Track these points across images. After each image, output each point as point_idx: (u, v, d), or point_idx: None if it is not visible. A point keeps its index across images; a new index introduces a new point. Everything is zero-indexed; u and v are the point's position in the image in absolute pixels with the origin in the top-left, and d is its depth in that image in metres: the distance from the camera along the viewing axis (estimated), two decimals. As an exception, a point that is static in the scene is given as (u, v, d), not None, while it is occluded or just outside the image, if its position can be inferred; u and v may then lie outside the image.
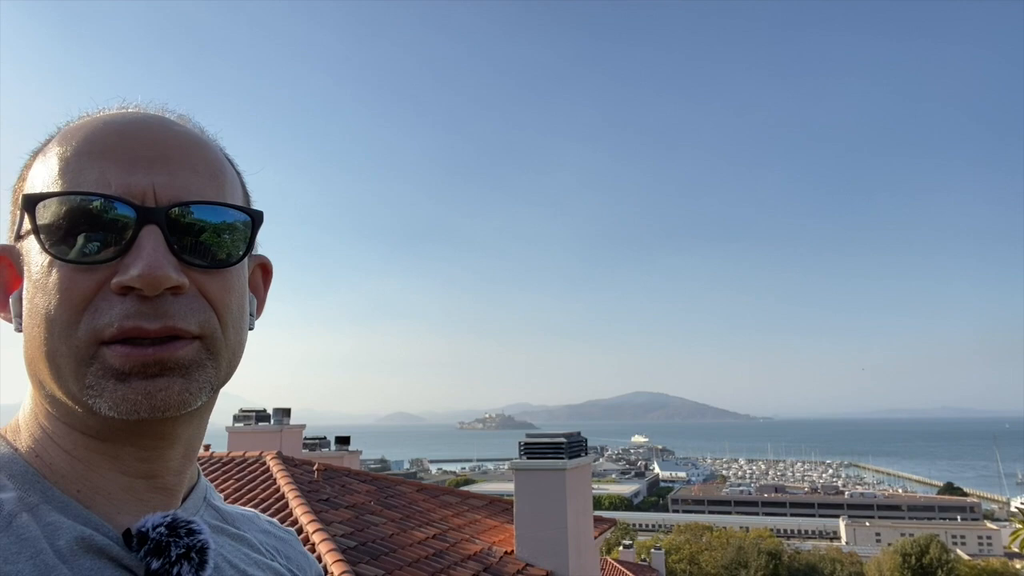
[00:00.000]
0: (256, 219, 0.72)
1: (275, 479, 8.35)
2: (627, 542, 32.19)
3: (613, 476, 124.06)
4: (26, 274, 0.68)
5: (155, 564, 0.65)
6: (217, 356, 0.69)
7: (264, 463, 9.04)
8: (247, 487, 8.20)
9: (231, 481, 8.41)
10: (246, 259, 0.73)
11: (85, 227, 0.64)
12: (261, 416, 13.39)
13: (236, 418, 13.46)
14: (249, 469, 8.89)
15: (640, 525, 74.34)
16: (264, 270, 0.83)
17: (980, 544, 62.45)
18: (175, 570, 0.66)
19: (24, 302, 0.68)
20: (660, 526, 73.37)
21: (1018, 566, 42.08)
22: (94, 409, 0.65)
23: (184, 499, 0.77)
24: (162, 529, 0.67)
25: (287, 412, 13.46)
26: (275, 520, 0.93)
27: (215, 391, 0.71)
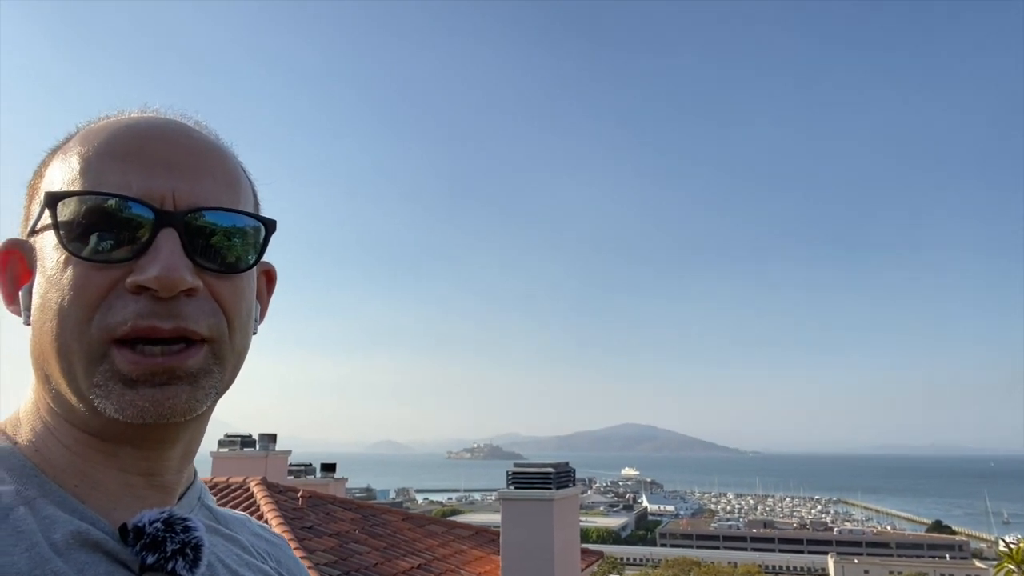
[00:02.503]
0: (269, 227, 0.74)
1: (259, 505, 8.24)
2: (614, 576, 31.67)
3: (601, 508, 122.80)
4: (39, 269, 0.69)
5: (150, 559, 0.65)
6: (223, 361, 0.70)
7: (248, 489, 8.92)
8: (230, 513, 8.05)
9: (214, 507, 8.26)
10: (256, 266, 0.75)
11: (104, 227, 0.66)
12: (246, 442, 13.23)
13: (221, 443, 13.30)
14: (233, 494, 8.77)
15: (628, 559, 73.40)
16: (268, 277, 0.84)
17: (969, 583, 62.00)
18: (170, 565, 0.66)
19: (35, 297, 0.69)
20: (648, 560, 72.48)
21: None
22: (99, 409, 0.66)
23: (180, 498, 0.77)
24: (158, 524, 0.67)
25: (272, 438, 13.32)
26: (266, 525, 0.93)
27: (220, 395, 0.72)
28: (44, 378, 0.70)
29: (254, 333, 0.78)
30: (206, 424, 0.77)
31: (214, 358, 0.69)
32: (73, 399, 0.68)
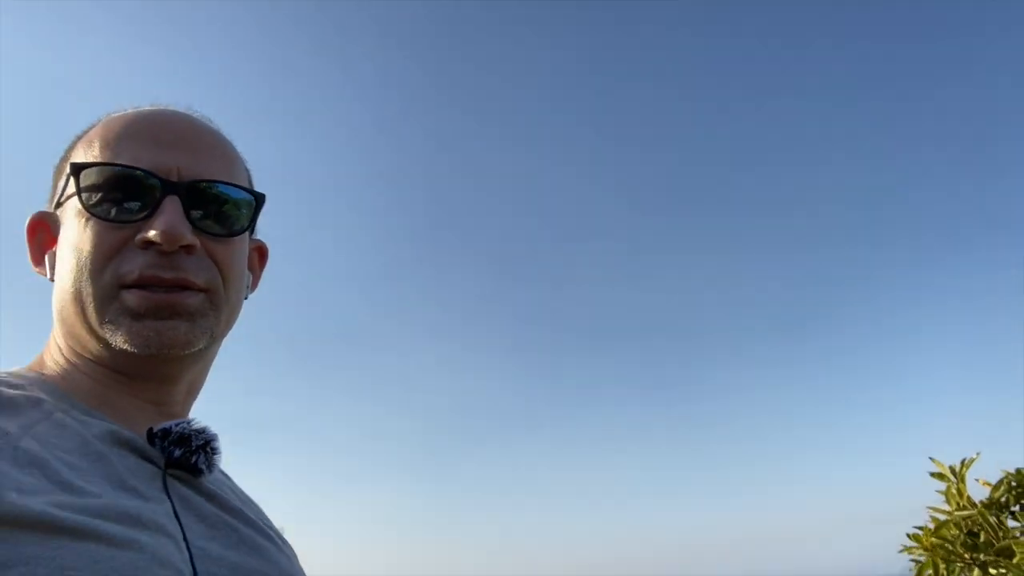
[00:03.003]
0: (259, 200, 0.87)
1: None
2: None
3: None
4: (63, 233, 0.81)
5: (177, 452, 0.75)
6: (219, 309, 0.82)
7: None
8: None
9: None
10: (247, 234, 0.88)
11: (119, 193, 0.77)
12: None
13: None
14: None
15: None
16: (260, 252, 0.98)
17: None
18: (194, 459, 0.76)
19: (59, 256, 0.81)
20: None
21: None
22: (111, 342, 0.76)
23: None
24: (184, 426, 0.77)
25: None
26: None
27: (215, 339, 0.83)
28: (63, 321, 0.81)
29: (245, 298, 0.90)
30: (207, 370, 0.89)
31: (210, 304, 0.80)
32: (89, 337, 0.78)
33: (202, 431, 0.78)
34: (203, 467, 0.77)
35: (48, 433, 0.66)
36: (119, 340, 0.75)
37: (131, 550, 0.58)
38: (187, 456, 0.75)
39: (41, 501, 0.56)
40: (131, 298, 0.75)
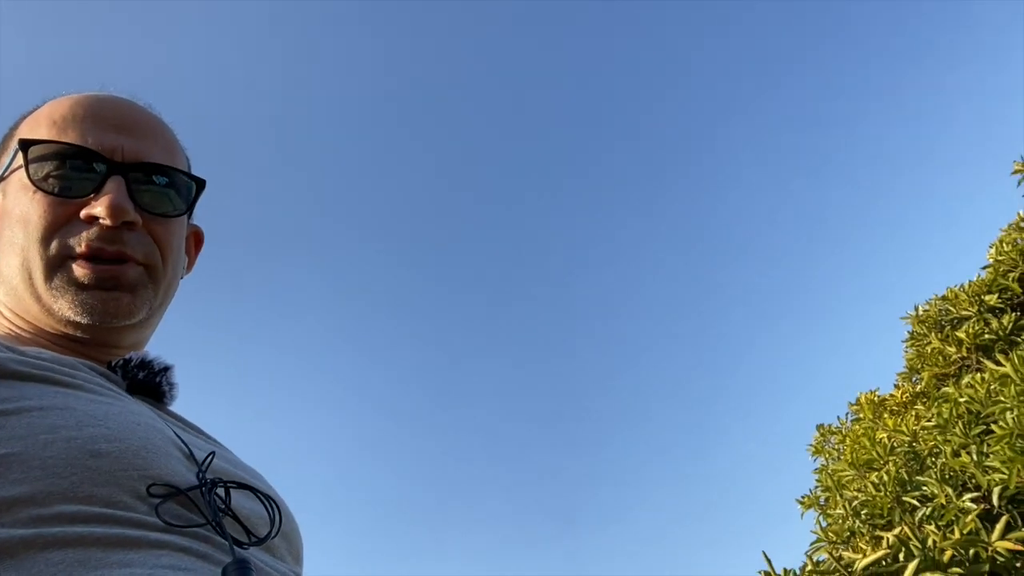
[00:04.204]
0: (199, 184, 0.91)
1: None
2: None
3: None
4: (8, 206, 0.84)
5: (141, 374, 0.82)
6: (157, 283, 0.87)
7: None
8: None
9: None
10: (186, 217, 0.92)
11: (66, 169, 0.81)
12: None
13: None
14: None
15: None
16: (197, 237, 1.03)
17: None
18: (158, 379, 0.83)
19: (5, 228, 0.84)
20: None
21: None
22: (56, 310, 0.80)
23: None
24: (142, 355, 0.84)
25: None
26: None
27: (153, 312, 0.88)
28: (8, 289, 0.84)
29: (180, 279, 0.95)
30: (146, 341, 0.94)
31: (150, 278, 0.85)
32: (34, 304, 0.82)
33: (159, 360, 0.85)
34: (165, 389, 0.84)
35: (26, 352, 0.72)
36: (64, 308, 0.79)
37: (131, 405, 0.70)
38: (150, 377, 0.82)
39: (39, 371, 0.66)
40: (77, 269, 0.79)
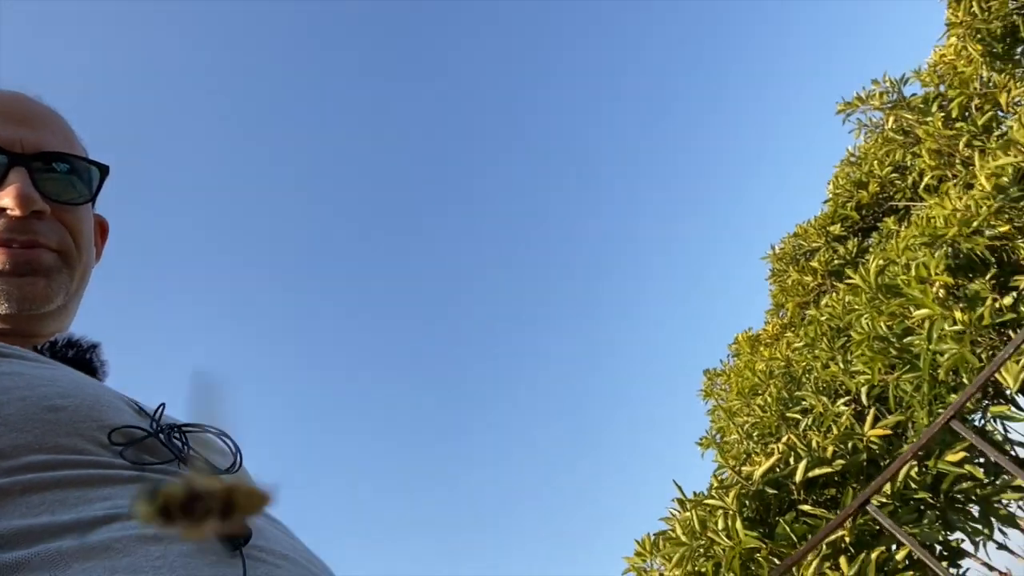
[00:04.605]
0: (102, 170, 0.91)
1: None
2: None
3: None
4: None
5: (71, 353, 0.82)
6: (72, 268, 0.86)
7: None
8: None
9: None
10: (92, 203, 0.92)
11: None
12: None
13: None
14: None
15: None
16: (102, 227, 1.02)
17: None
18: (87, 355, 0.84)
19: None
20: None
21: None
22: None
23: None
24: (71, 333, 0.85)
25: None
26: None
27: (69, 297, 0.86)
28: None
29: (92, 267, 0.95)
30: (65, 329, 0.91)
31: (64, 263, 0.84)
32: None
33: (86, 338, 0.85)
34: (97, 365, 0.84)
35: None
36: None
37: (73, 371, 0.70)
38: (80, 355, 0.82)
39: None
40: None
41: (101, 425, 0.62)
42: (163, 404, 0.73)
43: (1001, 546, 4.47)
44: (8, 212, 0.78)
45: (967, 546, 3.86)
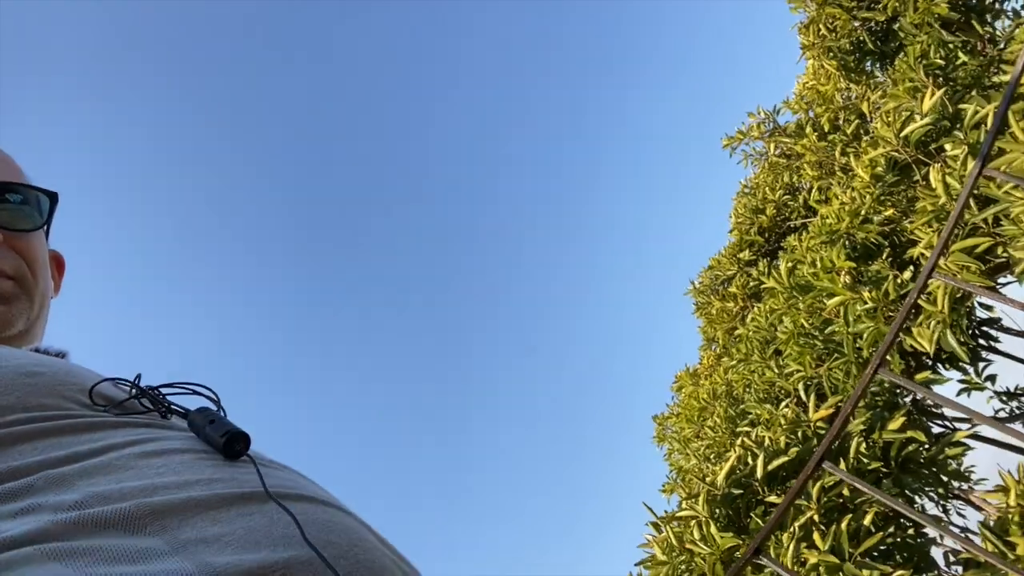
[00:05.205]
0: (52, 198, 0.95)
1: None
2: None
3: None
4: None
5: (43, 346, 0.85)
6: (31, 294, 0.89)
7: None
8: None
9: None
10: (44, 231, 0.94)
11: None
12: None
13: None
14: None
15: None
16: (58, 262, 1.06)
17: None
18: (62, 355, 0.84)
19: None
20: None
21: None
22: None
23: None
24: (37, 345, 0.88)
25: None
26: None
27: (29, 323, 0.89)
28: None
29: (51, 298, 0.97)
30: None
31: (22, 290, 0.86)
32: None
33: (52, 347, 0.85)
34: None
35: None
36: None
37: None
38: (59, 354, 0.83)
39: None
40: None
41: (81, 388, 0.63)
42: (139, 374, 0.74)
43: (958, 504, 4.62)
44: None
45: (932, 511, 4.01)
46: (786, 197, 7.04)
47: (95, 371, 0.76)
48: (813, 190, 6.13)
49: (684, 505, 3.84)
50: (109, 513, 0.43)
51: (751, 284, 6.95)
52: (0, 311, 0.83)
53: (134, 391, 0.68)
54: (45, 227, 0.93)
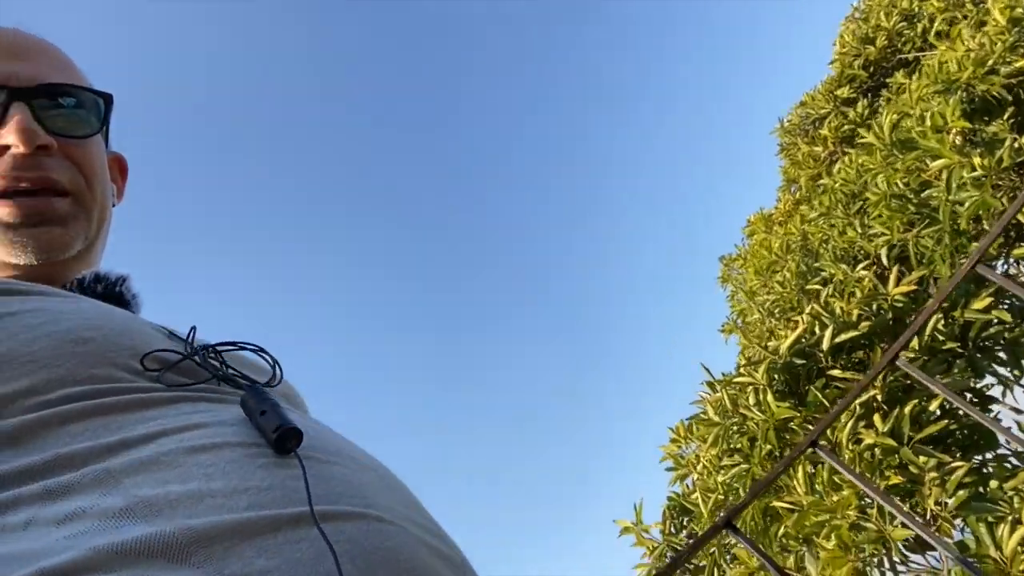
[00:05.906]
0: (106, 99, 0.86)
1: None
2: None
3: None
4: None
5: (99, 287, 0.80)
6: (89, 211, 0.82)
7: None
8: None
9: None
10: (101, 136, 0.88)
11: None
12: None
13: None
14: None
15: None
16: (120, 165, 0.99)
17: None
18: (117, 288, 0.82)
19: None
20: None
21: None
22: None
23: None
24: (95, 271, 0.82)
25: None
26: None
27: (88, 241, 0.83)
28: None
29: (113, 205, 0.91)
30: (92, 268, 0.90)
31: (79, 207, 0.81)
32: None
33: (113, 271, 0.83)
34: (129, 298, 0.82)
35: None
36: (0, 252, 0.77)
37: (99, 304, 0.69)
38: (110, 288, 0.80)
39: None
40: (2, 210, 0.75)
41: (133, 352, 0.61)
42: (194, 327, 0.71)
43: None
44: (12, 150, 0.75)
45: (996, 392, 3.88)
46: (902, 25, 6.22)
47: (147, 319, 0.75)
48: (937, 21, 5.37)
49: (743, 371, 3.82)
50: (155, 541, 0.42)
51: (845, 127, 6.38)
52: (57, 234, 0.78)
53: (188, 348, 0.66)
54: (101, 130, 0.87)
